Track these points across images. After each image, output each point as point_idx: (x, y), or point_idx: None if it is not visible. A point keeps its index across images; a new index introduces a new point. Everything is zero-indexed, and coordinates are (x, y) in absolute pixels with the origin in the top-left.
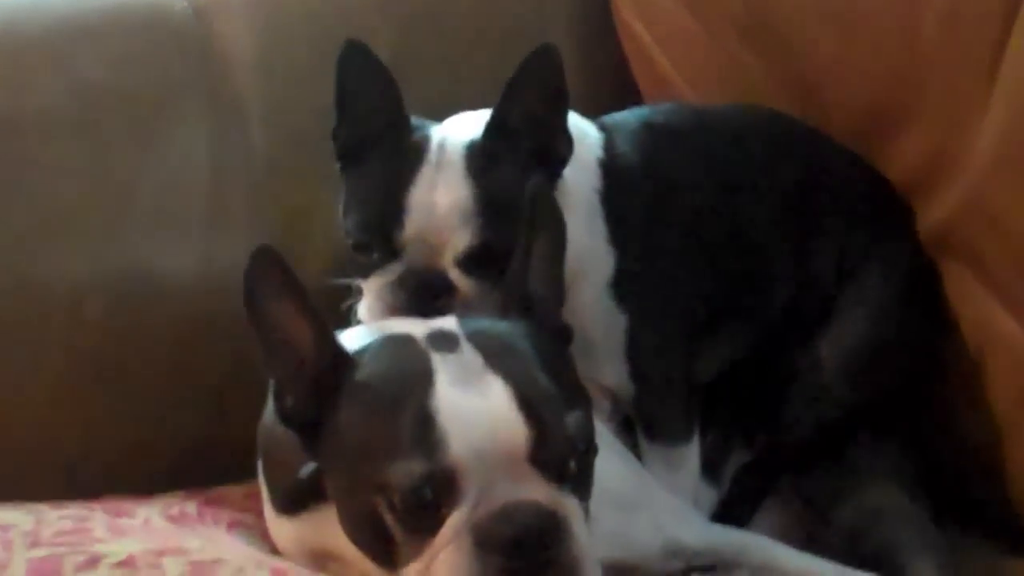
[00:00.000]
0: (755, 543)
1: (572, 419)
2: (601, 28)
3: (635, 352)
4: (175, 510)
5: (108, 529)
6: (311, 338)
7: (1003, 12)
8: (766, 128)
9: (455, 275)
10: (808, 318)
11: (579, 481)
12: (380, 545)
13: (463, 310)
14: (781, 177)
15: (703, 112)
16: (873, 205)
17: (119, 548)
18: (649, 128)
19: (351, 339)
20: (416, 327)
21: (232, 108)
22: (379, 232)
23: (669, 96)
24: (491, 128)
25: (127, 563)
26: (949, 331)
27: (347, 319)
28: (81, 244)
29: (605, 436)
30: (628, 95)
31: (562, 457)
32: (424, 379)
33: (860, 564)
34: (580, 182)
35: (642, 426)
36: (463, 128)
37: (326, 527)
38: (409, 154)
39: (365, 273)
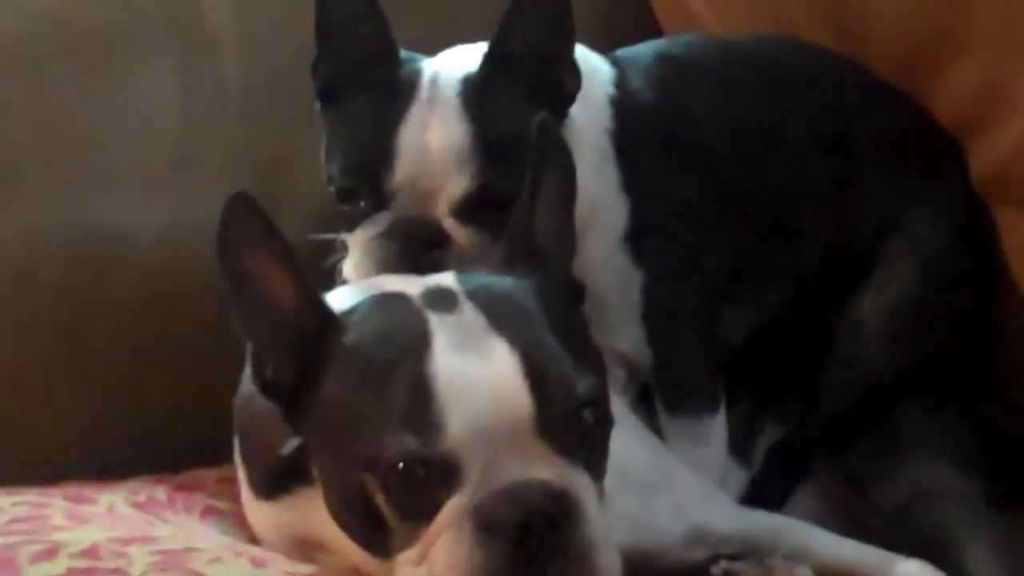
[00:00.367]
0: (789, 527)
1: (584, 387)
2: None
3: (652, 313)
4: (142, 496)
5: (68, 516)
6: (293, 296)
7: None
8: (798, 61)
9: (450, 225)
10: (847, 274)
11: (592, 457)
12: (371, 531)
13: (460, 264)
14: (815, 116)
15: (727, 44)
16: (918, 146)
17: (80, 537)
18: (666, 62)
19: (337, 300)
20: (410, 284)
21: (202, 43)
22: (365, 177)
23: (691, 26)
24: (489, 60)
25: (89, 553)
26: (1005, 285)
27: (332, 278)
28: (33, 197)
29: (620, 409)
30: (645, 25)
31: (573, 430)
32: (420, 343)
33: (907, 549)
34: (589, 122)
35: (661, 397)
36: (458, 61)
37: (311, 512)
38: (398, 90)
39: (351, 225)
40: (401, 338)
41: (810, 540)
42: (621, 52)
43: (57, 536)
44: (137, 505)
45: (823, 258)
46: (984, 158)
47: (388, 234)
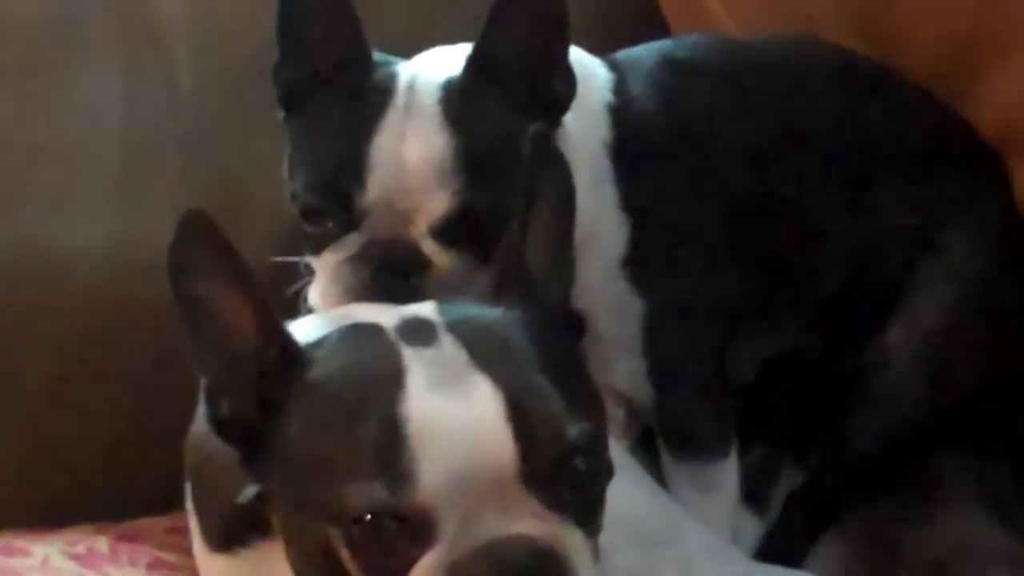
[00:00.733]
0: None
1: (576, 432)
2: None
3: (654, 346)
4: (81, 547)
5: None
6: (253, 327)
7: None
8: (817, 65)
9: (430, 248)
10: (873, 301)
11: (586, 511)
12: None
13: (441, 292)
14: (836, 126)
15: (738, 46)
16: (954, 160)
17: None
18: (671, 66)
19: (302, 331)
20: (384, 314)
21: (152, 41)
22: (333, 194)
23: (702, 24)
24: (473, 64)
25: None
26: None
27: (296, 306)
28: None
29: (619, 454)
30: (648, 24)
31: (564, 480)
32: (392, 380)
33: None
34: (584, 133)
35: (665, 440)
36: (438, 64)
37: (271, 567)
38: (371, 96)
39: (317, 248)
40: (372, 374)
41: None
42: (620, 55)
43: None
44: (75, 557)
45: (846, 284)
46: None
47: (359, 258)
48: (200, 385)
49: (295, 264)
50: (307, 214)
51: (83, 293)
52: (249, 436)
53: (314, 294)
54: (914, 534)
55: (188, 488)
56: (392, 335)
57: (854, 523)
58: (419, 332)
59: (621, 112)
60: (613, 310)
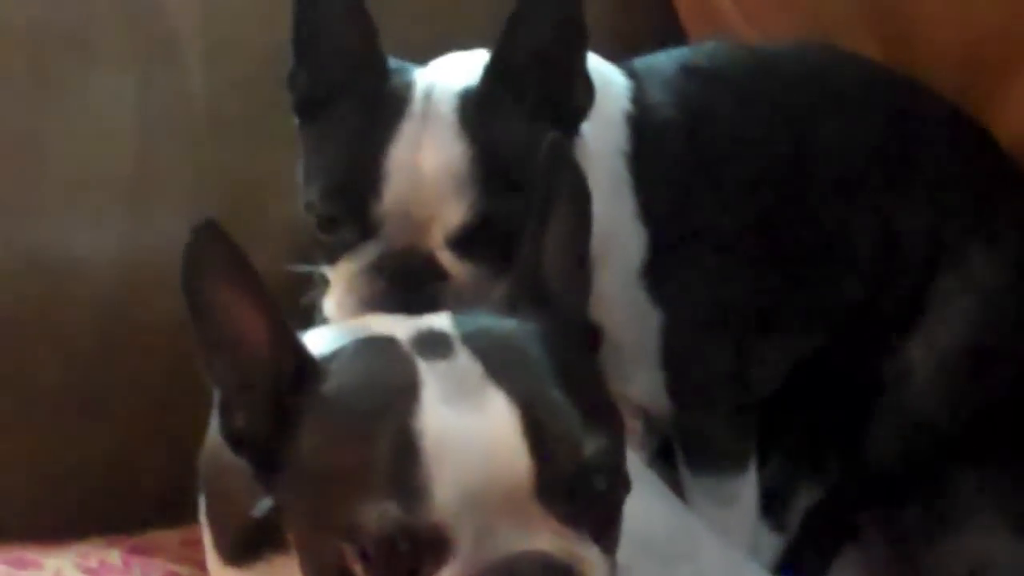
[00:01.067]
0: None
1: (594, 447)
2: None
3: (672, 358)
4: (93, 560)
5: None
6: (267, 338)
7: None
8: (840, 73)
9: (446, 258)
10: (894, 314)
11: (603, 527)
12: None
13: (457, 303)
14: (859, 136)
15: (757, 54)
16: (977, 171)
17: None
18: (690, 74)
19: (316, 342)
20: (399, 326)
21: (164, 47)
22: (349, 203)
23: (718, 29)
24: (490, 72)
25: None
26: None
27: (310, 316)
28: None
29: (637, 467)
30: (668, 32)
31: (580, 496)
32: (407, 393)
33: None
34: (602, 142)
35: (683, 453)
36: (455, 72)
37: None
38: (387, 104)
39: (332, 257)
40: (386, 388)
41: None
42: (638, 62)
43: None
44: (88, 571)
45: (866, 296)
46: None
47: (375, 268)
48: (214, 397)
49: (310, 273)
50: (322, 223)
51: (94, 301)
52: (263, 449)
53: (329, 304)
54: (935, 549)
55: (201, 501)
56: (407, 348)
57: (874, 537)
58: (434, 345)
59: (639, 121)
60: (631, 321)
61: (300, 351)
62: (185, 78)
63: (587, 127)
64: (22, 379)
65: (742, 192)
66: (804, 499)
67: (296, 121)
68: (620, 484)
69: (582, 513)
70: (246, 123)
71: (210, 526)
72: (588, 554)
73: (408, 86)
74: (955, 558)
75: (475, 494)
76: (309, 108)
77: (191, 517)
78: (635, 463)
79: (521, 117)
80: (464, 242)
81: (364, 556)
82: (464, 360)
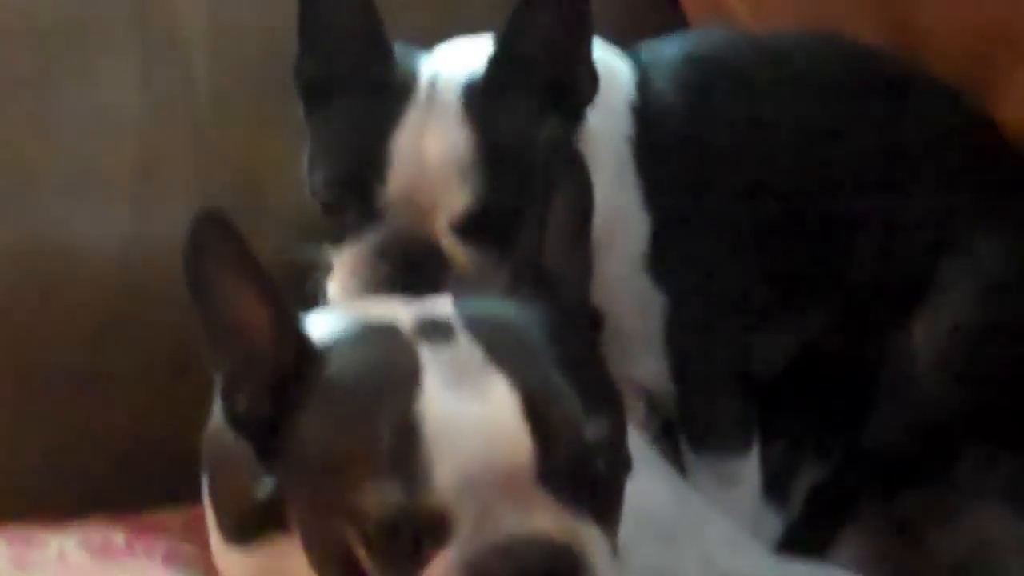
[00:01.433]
0: None
1: (595, 430)
2: None
3: (676, 341)
4: (97, 540)
5: (12, 563)
6: (269, 323)
7: None
8: (844, 60)
9: (449, 243)
10: (898, 296)
11: (605, 509)
12: None
13: (460, 288)
14: (863, 122)
15: (762, 42)
16: (981, 159)
17: None
18: (694, 62)
19: (319, 325)
20: (401, 311)
21: (169, 35)
22: (354, 189)
23: (720, 17)
24: (495, 59)
25: None
26: None
27: (314, 301)
28: None
29: (640, 447)
30: (671, 19)
31: (580, 479)
32: (408, 378)
33: None
34: (607, 129)
35: (686, 433)
36: (460, 59)
37: (288, 560)
38: (392, 91)
39: (336, 241)
40: (387, 373)
41: None
42: (643, 50)
43: None
44: (92, 550)
45: (870, 279)
46: None
47: (379, 253)
48: (215, 382)
49: (314, 258)
50: (327, 208)
51: (99, 288)
52: (265, 433)
53: (333, 288)
54: (937, 529)
55: (205, 481)
56: (408, 333)
57: (876, 518)
58: (435, 330)
59: (644, 109)
60: (635, 306)
61: (301, 336)
62: (189, 65)
63: (591, 114)
64: (27, 362)
65: (745, 179)
66: (806, 480)
67: (301, 108)
68: (621, 467)
69: (583, 496)
70: (250, 109)
71: (213, 506)
72: (589, 536)
73: (413, 73)
74: (956, 539)
75: (476, 477)
76: (314, 95)
77: (195, 498)
78: (638, 443)
79: (526, 105)
80: (468, 228)
81: (366, 538)
82: (465, 345)
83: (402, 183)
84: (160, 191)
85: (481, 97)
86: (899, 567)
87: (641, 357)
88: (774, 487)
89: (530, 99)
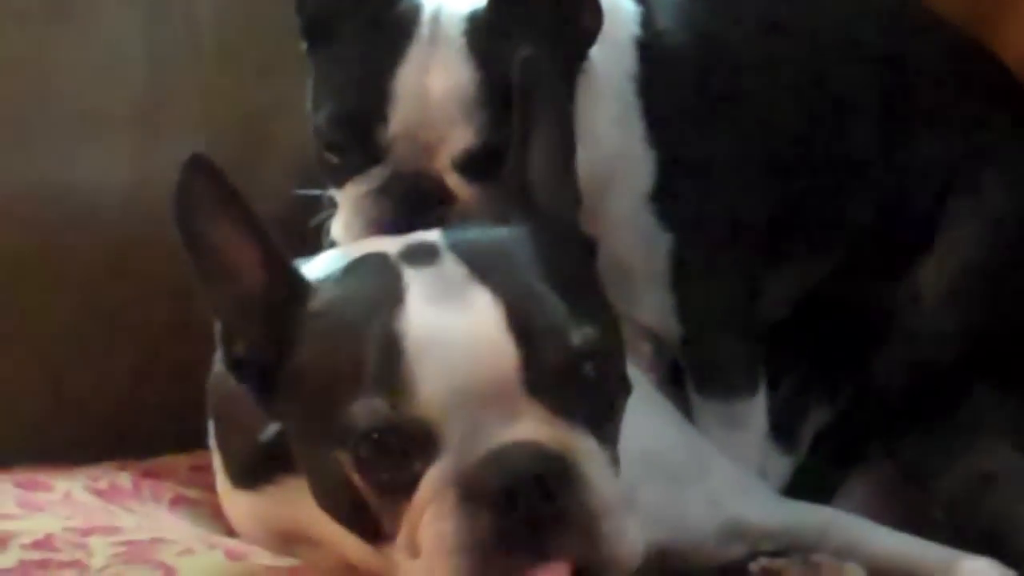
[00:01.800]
0: (838, 521)
1: (581, 337)
2: None
3: (682, 281)
4: (103, 483)
5: (19, 504)
6: (260, 265)
7: None
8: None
9: (453, 180)
10: (905, 238)
11: (597, 417)
12: (357, 517)
13: (462, 223)
14: (869, 60)
15: None
16: (988, 97)
17: (34, 526)
18: None
19: (320, 266)
20: (391, 242)
21: None
22: (357, 127)
23: None
24: None
25: (43, 544)
26: None
27: (318, 240)
28: None
29: (646, 389)
30: None
31: (570, 386)
32: (392, 298)
33: (967, 543)
34: (611, 66)
35: (692, 375)
36: None
37: (295, 502)
38: (395, 28)
39: (340, 181)
40: (372, 296)
41: (861, 535)
42: None
43: (7, 525)
44: (98, 493)
45: (877, 219)
46: None
47: (382, 190)
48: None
49: (318, 197)
50: (330, 147)
51: (103, 232)
52: (263, 374)
53: (337, 227)
54: (944, 470)
55: (211, 426)
56: (395, 259)
57: (883, 460)
58: (422, 254)
59: (649, 45)
60: (640, 245)
61: (293, 275)
62: (193, 5)
63: (596, 51)
64: (33, 307)
65: (750, 116)
66: (814, 422)
67: (304, 46)
68: (613, 374)
69: (574, 403)
70: (254, 49)
71: (219, 451)
72: (581, 442)
73: (416, 9)
74: (958, 476)
75: (461, 388)
76: (317, 33)
77: (201, 442)
78: (645, 386)
79: (529, 41)
80: (471, 165)
81: (357, 459)
82: (450, 264)
83: (405, 120)
84: (165, 133)
85: (484, 33)
86: (906, 507)
87: (647, 297)
88: (782, 430)
89: (533, 35)
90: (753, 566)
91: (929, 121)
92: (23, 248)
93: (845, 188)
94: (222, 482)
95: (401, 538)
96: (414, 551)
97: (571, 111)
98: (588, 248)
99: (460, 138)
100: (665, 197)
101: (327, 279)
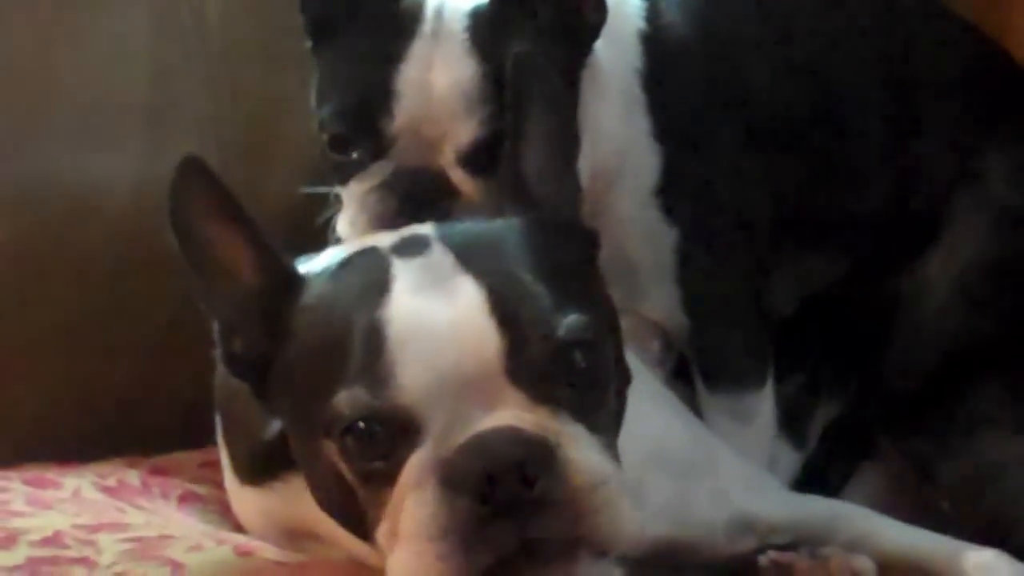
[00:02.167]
0: (847, 514)
1: (568, 325)
2: None
3: (688, 275)
4: (112, 480)
5: (28, 502)
6: (253, 263)
7: None
8: None
9: (457, 175)
10: (912, 232)
11: (585, 405)
12: (347, 508)
13: (466, 218)
14: (875, 53)
15: None
16: (995, 90)
17: (42, 523)
18: None
19: (324, 262)
20: (385, 236)
21: None
22: (361, 123)
23: None
24: None
25: (51, 541)
26: None
27: (324, 236)
28: None
29: (654, 384)
30: None
31: (556, 375)
32: (379, 289)
33: (974, 534)
34: (616, 61)
35: (700, 369)
36: None
37: (302, 499)
38: (398, 24)
39: (345, 177)
40: (360, 287)
41: (871, 528)
42: None
43: (16, 523)
44: (106, 490)
45: (884, 214)
46: None
47: (387, 186)
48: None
49: (325, 194)
50: (335, 143)
51: (109, 228)
52: (261, 372)
53: (342, 223)
54: (951, 463)
55: (218, 424)
56: (386, 251)
57: (891, 453)
58: (411, 245)
59: (654, 40)
60: (646, 239)
61: (286, 272)
62: (200, 3)
63: (600, 46)
64: (40, 303)
65: (756, 110)
66: (823, 416)
67: (309, 43)
68: (604, 362)
69: (560, 391)
70: (260, 46)
71: (227, 447)
72: (567, 430)
73: (419, 6)
74: (964, 465)
75: (444, 376)
76: (322, 29)
77: (209, 439)
78: (653, 381)
79: (532, 35)
80: (475, 159)
81: (343, 449)
82: (437, 254)
83: (409, 116)
84: (171, 129)
85: (486, 28)
86: (915, 500)
87: (653, 292)
88: (790, 424)
89: (536, 30)
90: (762, 559)
91: (935, 114)
92: (29, 243)
93: (851, 181)
94: (230, 479)
95: (385, 526)
96: (397, 539)
97: (571, 105)
98: (589, 241)
99: (463, 133)
100: (671, 191)
101: (320, 274)
